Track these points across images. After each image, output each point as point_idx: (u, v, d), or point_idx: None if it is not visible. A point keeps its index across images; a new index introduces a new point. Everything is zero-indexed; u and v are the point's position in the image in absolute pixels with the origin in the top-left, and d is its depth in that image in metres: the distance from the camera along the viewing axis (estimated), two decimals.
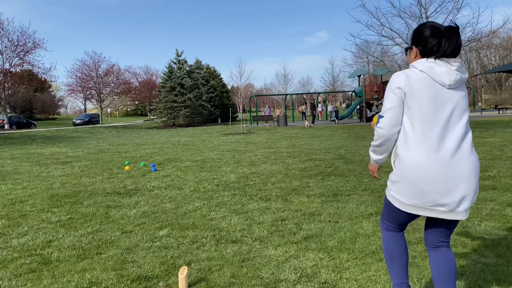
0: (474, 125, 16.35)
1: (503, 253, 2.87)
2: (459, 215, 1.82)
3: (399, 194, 1.91)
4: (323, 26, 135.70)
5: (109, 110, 56.72)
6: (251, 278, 2.69)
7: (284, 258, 3.00)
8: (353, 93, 32.09)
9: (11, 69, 32.49)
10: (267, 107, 47.55)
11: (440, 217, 1.85)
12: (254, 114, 36.81)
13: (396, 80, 1.88)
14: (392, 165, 1.99)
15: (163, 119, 33.48)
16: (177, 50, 35.16)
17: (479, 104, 36.77)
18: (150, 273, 2.84)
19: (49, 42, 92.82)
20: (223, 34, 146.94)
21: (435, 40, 1.85)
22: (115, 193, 5.76)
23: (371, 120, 27.12)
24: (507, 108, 28.39)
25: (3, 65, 31.70)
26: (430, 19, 13.10)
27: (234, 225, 3.90)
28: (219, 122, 37.90)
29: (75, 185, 6.62)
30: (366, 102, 26.42)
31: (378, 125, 1.93)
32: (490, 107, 39.70)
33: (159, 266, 2.97)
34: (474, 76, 51.13)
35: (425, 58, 1.89)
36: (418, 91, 1.82)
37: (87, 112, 61.57)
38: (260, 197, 5.07)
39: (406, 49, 2.05)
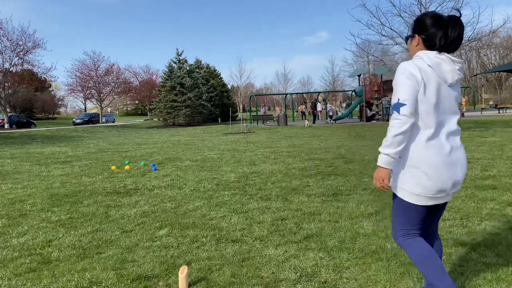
0: (474, 124, 16.34)
1: (503, 253, 2.87)
2: (450, 196, 2.00)
3: (412, 186, 1.89)
4: (323, 26, 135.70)
5: (109, 109, 56.70)
6: (251, 277, 2.69)
7: (284, 258, 3.00)
8: (353, 93, 32.07)
9: (11, 69, 32.48)
10: (263, 106, 47.55)
11: (443, 202, 1.98)
12: (254, 113, 36.79)
13: (410, 69, 1.84)
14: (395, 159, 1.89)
15: (163, 118, 33.47)
16: (177, 49, 35.17)
17: (491, 103, 36.63)
18: (150, 273, 2.83)
19: (49, 41, 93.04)
20: (223, 34, 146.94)
21: (440, 31, 1.86)
22: (115, 193, 5.76)
23: (371, 119, 27.11)
24: (507, 108, 28.37)
25: (3, 65, 31.70)
26: None
27: (234, 225, 3.90)
28: (219, 121, 37.88)
29: (75, 184, 6.62)
30: (366, 101, 26.41)
31: (401, 113, 1.81)
32: (490, 106, 39.66)
33: (159, 265, 2.96)
34: (474, 75, 51.10)
35: (432, 52, 1.88)
36: (427, 85, 1.84)
37: (87, 112, 61.56)
38: (260, 197, 5.07)
39: (408, 38, 2.03)
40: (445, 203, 2.07)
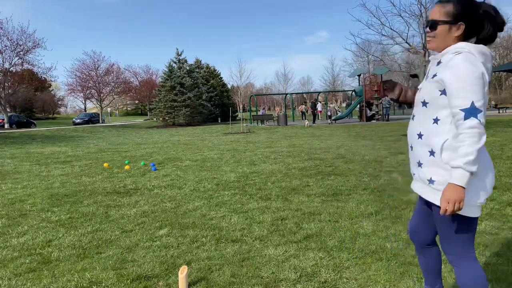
0: None
1: (503, 253, 2.87)
2: None
3: (477, 197, 1.62)
4: (323, 26, 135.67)
5: (109, 109, 56.70)
6: (251, 277, 2.69)
7: (284, 258, 3.00)
8: (353, 93, 32.07)
9: (11, 69, 32.49)
10: (262, 108, 47.58)
11: None
12: (254, 113, 36.80)
13: (480, 66, 1.56)
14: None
15: (164, 118, 33.48)
16: (177, 49, 35.17)
17: (492, 102, 36.42)
18: (150, 273, 2.83)
19: (49, 41, 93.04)
20: (223, 34, 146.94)
21: (491, 23, 1.62)
22: (115, 193, 5.76)
23: (371, 119, 27.05)
24: (507, 108, 28.36)
25: (3, 65, 31.70)
26: None
27: (234, 225, 3.90)
28: (219, 121, 37.88)
29: (75, 184, 6.62)
30: (366, 101, 26.40)
31: (480, 122, 1.52)
32: (489, 106, 39.63)
33: (159, 265, 2.96)
34: None
35: (478, 45, 1.62)
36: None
37: (87, 112, 61.57)
38: (260, 197, 5.07)
39: (444, 22, 1.65)
40: None
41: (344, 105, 53.20)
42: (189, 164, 8.53)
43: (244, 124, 27.57)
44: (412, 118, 1.83)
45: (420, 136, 1.74)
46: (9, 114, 34.41)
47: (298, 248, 3.18)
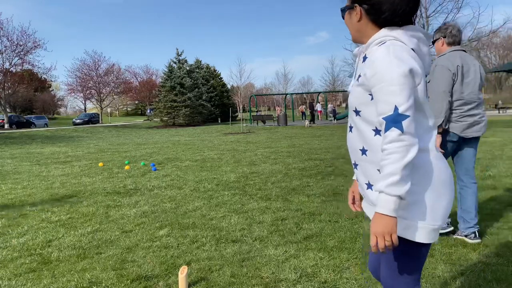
0: None
1: (503, 253, 2.87)
2: None
3: (426, 219, 1.29)
4: (323, 26, 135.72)
5: (109, 109, 56.72)
6: (251, 277, 2.69)
7: (284, 258, 3.00)
8: None
9: (11, 69, 32.49)
10: (256, 110, 47.60)
11: None
12: (254, 113, 36.81)
13: (408, 60, 1.28)
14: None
15: (164, 118, 33.48)
16: (177, 49, 35.21)
17: (500, 102, 36.38)
18: (150, 273, 2.83)
19: (49, 41, 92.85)
20: (223, 34, 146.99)
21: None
22: (115, 193, 5.76)
23: None
24: (507, 108, 28.37)
25: (3, 65, 31.71)
26: (430, 19, 13.07)
27: (234, 225, 3.90)
28: (219, 121, 37.89)
29: (75, 184, 6.62)
30: None
31: (404, 130, 1.22)
32: (490, 106, 39.66)
33: (159, 265, 2.96)
34: None
35: (409, 26, 1.36)
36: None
37: (87, 112, 61.58)
38: (260, 197, 5.07)
39: (343, 10, 1.45)
40: None
41: (344, 105, 53.20)
42: (189, 164, 8.53)
43: (244, 124, 27.57)
44: (350, 130, 1.46)
45: (363, 152, 1.39)
46: (9, 114, 34.41)
47: (298, 248, 3.18)
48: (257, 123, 30.33)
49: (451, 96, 3.08)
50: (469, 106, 3.13)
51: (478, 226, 3.17)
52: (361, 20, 1.37)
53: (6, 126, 32.49)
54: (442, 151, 3.15)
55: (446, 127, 3.15)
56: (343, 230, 3.57)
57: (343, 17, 1.46)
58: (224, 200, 4.98)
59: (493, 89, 54.23)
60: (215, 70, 44.63)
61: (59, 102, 69.69)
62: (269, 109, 74.22)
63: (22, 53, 32.05)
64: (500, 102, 35.40)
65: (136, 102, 74.10)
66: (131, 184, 6.41)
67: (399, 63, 1.22)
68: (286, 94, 41.02)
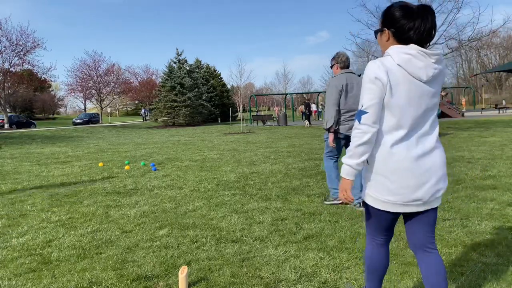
0: (474, 124, 16.34)
1: (503, 253, 2.87)
2: (433, 203, 1.82)
3: (377, 192, 1.80)
4: (323, 26, 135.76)
5: (109, 109, 56.70)
6: (251, 277, 2.69)
7: (284, 258, 3.00)
8: None
9: (10, 69, 32.47)
10: (256, 111, 47.59)
11: (417, 210, 1.80)
12: (254, 113, 36.80)
13: (375, 71, 1.70)
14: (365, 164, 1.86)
15: (160, 118, 33.48)
16: (177, 49, 35.19)
17: (503, 102, 36.30)
18: (150, 273, 2.83)
19: (49, 41, 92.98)
20: (224, 34, 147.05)
21: (410, 22, 1.71)
22: (115, 193, 5.76)
23: None
24: (507, 108, 28.37)
25: (3, 65, 31.68)
26: None
27: (234, 225, 3.90)
28: (219, 121, 37.88)
29: (75, 184, 6.62)
30: None
31: (361, 121, 1.71)
32: (490, 106, 39.65)
33: (159, 265, 2.96)
34: (474, 75, 51.11)
35: (401, 46, 1.72)
36: (396, 87, 1.69)
37: (87, 112, 61.56)
38: (260, 197, 5.07)
39: (376, 32, 1.85)
40: (430, 211, 1.85)
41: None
42: (189, 164, 8.53)
43: (244, 124, 27.56)
44: None
45: None
46: (9, 114, 34.40)
47: (298, 248, 3.18)
48: (257, 123, 30.35)
49: (339, 106, 4.17)
50: (352, 113, 4.20)
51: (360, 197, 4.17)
52: (388, 40, 1.80)
53: (6, 126, 32.48)
54: (334, 145, 4.28)
55: (336, 127, 4.22)
56: (343, 230, 3.57)
57: (375, 37, 1.89)
58: (224, 200, 4.98)
59: (493, 89, 54.24)
60: (215, 70, 44.60)
61: (59, 102, 69.63)
62: (269, 109, 74.21)
63: (21, 53, 32.00)
64: (503, 102, 35.37)
65: (136, 102, 74.06)
66: (131, 184, 6.41)
67: (369, 73, 1.72)
68: (286, 94, 41.02)
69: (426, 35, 1.71)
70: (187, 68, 35.55)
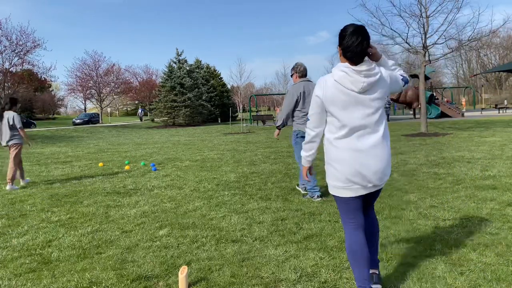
0: (474, 124, 16.34)
1: (503, 253, 2.87)
2: (373, 188, 2.19)
3: (329, 179, 2.24)
4: (323, 26, 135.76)
5: (109, 109, 56.71)
6: (251, 277, 2.69)
7: (284, 258, 3.00)
8: None
9: (10, 69, 32.45)
10: (256, 111, 47.56)
11: (366, 192, 2.19)
12: (254, 113, 36.78)
13: (316, 90, 2.17)
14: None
15: (158, 119, 33.46)
16: (177, 49, 35.18)
17: (505, 102, 36.28)
18: (150, 273, 2.83)
19: (49, 41, 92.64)
20: (223, 34, 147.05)
21: (347, 41, 2.06)
22: (115, 193, 5.76)
23: None
24: (507, 108, 28.37)
25: (3, 65, 31.66)
26: (430, 19, 13.06)
27: (234, 225, 3.90)
28: (219, 121, 37.87)
29: (75, 184, 6.62)
30: None
31: (307, 126, 2.29)
32: (490, 106, 39.65)
33: (159, 265, 2.96)
34: (474, 75, 51.12)
35: (341, 64, 2.11)
36: (333, 98, 2.10)
37: (87, 112, 61.57)
38: (260, 197, 5.07)
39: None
40: (376, 193, 2.31)
41: None
42: (189, 164, 8.53)
43: (244, 124, 27.56)
44: None
45: None
46: None
47: (298, 248, 3.18)
48: (257, 123, 30.35)
49: (294, 110, 4.84)
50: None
51: (318, 190, 4.79)
52: (341, 56, 2.15)
53: None
54: (278, 138, 5.67)
55: (286, 125, 4.96)
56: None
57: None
58: (224, 200, 4.98)
59: (493, 89, 54.24)
60: (215, 70, 44.59)
61: (59, 102, 69.62)
62: (269, 109, 74.21)
63: (21, 53, 31.95)
64: (505, 102, 35.31)
65: (136, 102, 74.07)
66: (131, 184, 6.41)
67: (315, 88, 2.21)
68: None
69: (360, 52, 2.05)
70: (187, 68, 35.53)
